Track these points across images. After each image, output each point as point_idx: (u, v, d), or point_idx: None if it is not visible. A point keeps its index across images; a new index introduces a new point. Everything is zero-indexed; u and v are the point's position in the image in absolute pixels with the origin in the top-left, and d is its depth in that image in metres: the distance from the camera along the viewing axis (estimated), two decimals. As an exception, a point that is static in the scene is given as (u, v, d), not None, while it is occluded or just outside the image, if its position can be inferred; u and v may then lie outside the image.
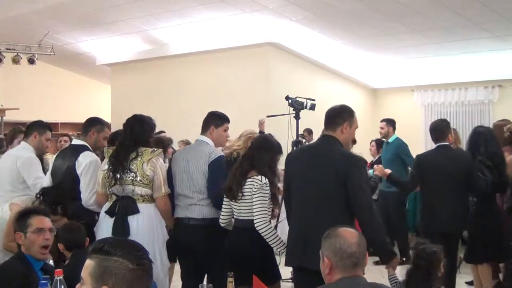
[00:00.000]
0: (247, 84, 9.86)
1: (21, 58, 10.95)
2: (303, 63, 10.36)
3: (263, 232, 3.59)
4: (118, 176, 3.76)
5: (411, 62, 10.48)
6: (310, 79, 10.32)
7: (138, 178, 3.75)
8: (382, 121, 7.44)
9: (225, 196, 3.83)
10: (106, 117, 11.43)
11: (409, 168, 6.96)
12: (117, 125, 11.86)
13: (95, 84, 13.95)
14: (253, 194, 3.64)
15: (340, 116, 3.43)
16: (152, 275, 1.75)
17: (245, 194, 3.68)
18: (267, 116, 6.61)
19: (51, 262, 3.40)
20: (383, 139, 7.47)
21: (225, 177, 3.92)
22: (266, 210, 3.63)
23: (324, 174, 3.28)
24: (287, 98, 5.83)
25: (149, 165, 3.77)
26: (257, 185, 3.64)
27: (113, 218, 3.78)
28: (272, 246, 3.65)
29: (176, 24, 9.55)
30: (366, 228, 3.16)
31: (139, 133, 3.86)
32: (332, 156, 3.33)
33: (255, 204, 3.62)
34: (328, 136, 3.45)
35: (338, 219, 3.06)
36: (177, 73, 10.98)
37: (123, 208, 3.76)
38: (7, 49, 10.88)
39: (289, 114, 5.88)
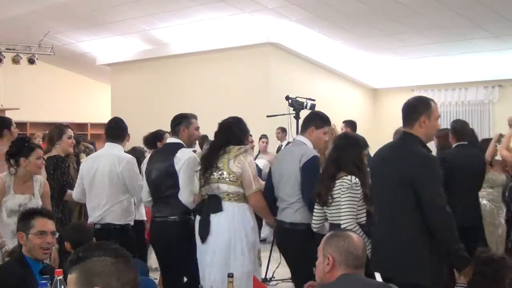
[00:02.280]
0: (247, 84, 9.87)
1: (21, 58, 10.95)
2: (303, 63, 10.37)
3: None
4: (207, 175, 3.73)
5: (411, 62, 10.49)
6: (310, 79, 10.32)
7: (225, 175, 3.69)
8: (343, 122, 7.54)
9: (316, 202, 3.67)
10: (106, 117, 11.44)
11: None
12: (117, 125, 11.85)
13: (95, 84, 13.95)
14: (341, 195, 3.45)
15: (415, 110, 3.18)
16: (135, 266, 1.73)
17: (335, 197, 3.49)
18: (267, 116, 6.61)
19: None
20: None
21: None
22: (354, 212, 3.43)
23: (391, 176, 3.12)
24: (287, 98, 5.83)
25: (236, 161, 3.70)
26: (346, 185, 3.44)
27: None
28: None
29: (176, 24, 9.55)
30: (439, 233, 2.99)
31: (236, 132, 3.82)
32: (401, 156, 3.14)
33: (343, 205, 3.44)
34: (406, 133, 3.22)
35: (406, 224, 2.99)
36: (177, 73, 10.98)
37: (208, 206, 3.74)
38: (7, 49, 10.88)
39: (289, 114, 5.88)
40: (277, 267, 5.58)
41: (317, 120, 4.01)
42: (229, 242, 3.68)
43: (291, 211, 3.80)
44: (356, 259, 2.33)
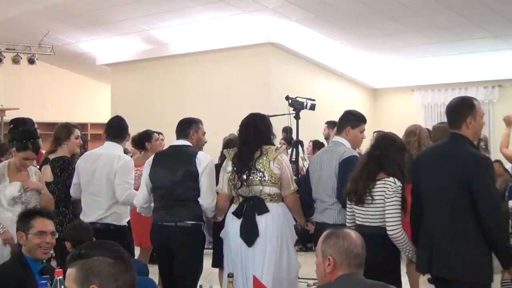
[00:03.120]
0: (247, 84, 9.86)
1: (21, 58, 10.94)
2: (303, 63, 10.36)
3: (397, 238, 3.33)
4: (245, 177, 3.66)
5: (411, 62, 10.49)
6: (310, 79, 10.32)
7: (267, 177, 3.65)
8: (325, 123, 7.51)
9: (348, 201, 3.57)
10: (106, 117, 11.43)
11: None
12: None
13: (95, 84, 13.95)
14: (387, 198, 3.35)
15: (460, 112, 3.19)
16: (134, 267, 1.76)
17: (376, 198, 3.39)
18: (268, 116, 6.62)
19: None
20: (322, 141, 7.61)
21: None
22: (400, 215, 3.35)
23: (445, 178, 3.10)
24: (287, 98, 5.83)
25: (275, 163, 3.67)
26: (391, 188, 3.35)
27: (241, 219, 3.70)
28: (405, 253, 3.43)
29: (176, 24, 9.55)
30: (492, 230, 2.99)
31: (263, 131, 3.79)
32: (455, 156, 3.13)
33: (390, 208, 3.34)
34: (454, 134, 3.22)
35: (464, 224, 2.99)
36: (177, 73, 10.97)
37: (252, 208, 3.67)
38: (7, 49, 10.87)
39: (289, 114, 5.88)
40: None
41: (352, 119, 4.00)
42: (280, 242, 3.64)
43: (334, 212, 3.77)
44: (357, 257, 2.31)
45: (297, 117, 5.79)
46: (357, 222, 3.51)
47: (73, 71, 13.44)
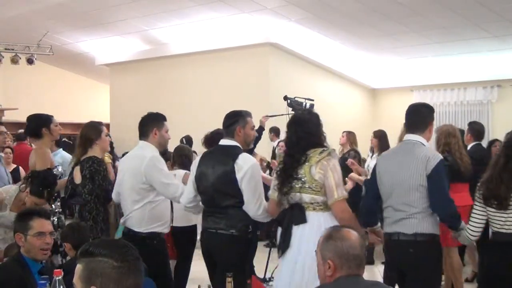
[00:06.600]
0: (246, 84, 9.86)
1: (20, 58, 10.95)
2: (302, 63, 10.37)
3: None
4: (287, 184, 3.33)
5: (410, 62, 10.49)
6: (309, 79, 10.32)
7: (307, 185, 3.28)
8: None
9: (480, 205, 3.31)
10: (105, 117, 11.43)
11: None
12: (116, 126, 11.88)
13: (94, 84, 13.95)
14: None
15: None
16: (141, 271, 1.75)
17: None
18: (267, 116, 6.64)
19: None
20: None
21: (448, 184, 3.38)
22: None
23: None
24: (285, 98, 5.83)
25: (318, 168, 3.26)
26: None
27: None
28: None
29: (175, 24, 9.55)
30: None
31: (304, 138, 3.36)
32: None
33: None
34: None
35: None
36: (176, 73, 10.97)
37: (290, 218, 3.35)
38: (5, 49, 10.87)
39: (288, 114, 5.88)
40: (276, 267, 5.56)
41: (431, 114, 3.58)
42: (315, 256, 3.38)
43: (415, 221, 3.34)
44: (357, 258, 2.29)
45: (296, 117, 5.78)
46: (493, 229, 3.26)
47: (72, 71, 13.44)
